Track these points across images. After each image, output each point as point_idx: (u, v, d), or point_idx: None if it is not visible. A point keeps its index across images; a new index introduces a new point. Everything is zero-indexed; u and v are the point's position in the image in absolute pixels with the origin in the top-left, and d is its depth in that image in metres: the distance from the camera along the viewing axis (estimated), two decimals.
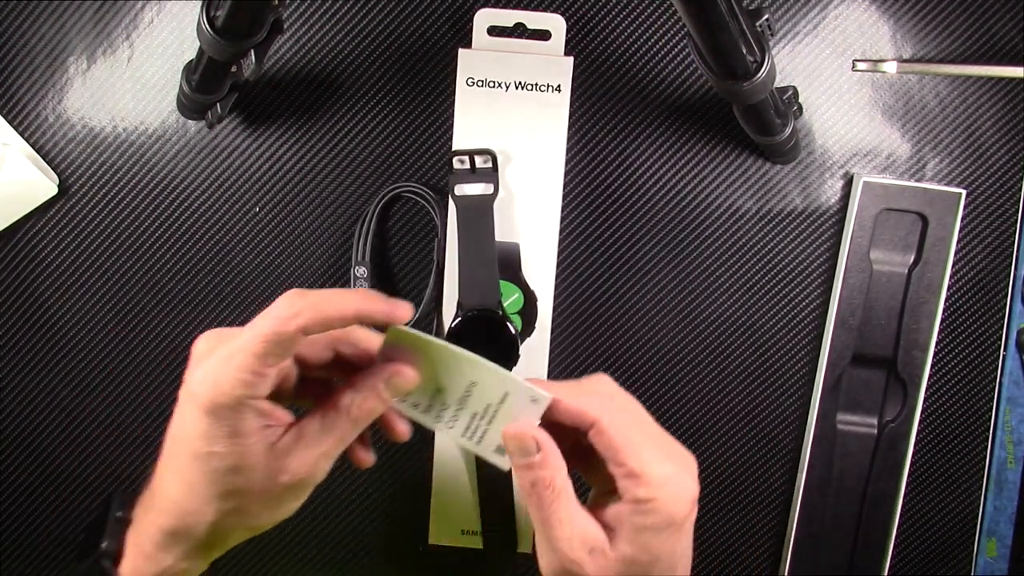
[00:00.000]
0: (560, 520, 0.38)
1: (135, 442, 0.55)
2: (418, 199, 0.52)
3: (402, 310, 0.37)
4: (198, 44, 0.42)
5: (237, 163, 0.53)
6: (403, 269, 0.53)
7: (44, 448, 0.55)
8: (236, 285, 0.54)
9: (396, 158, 0.52)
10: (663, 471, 0.37)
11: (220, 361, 0.35)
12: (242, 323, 0.55)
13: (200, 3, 0.40)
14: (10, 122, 0.52)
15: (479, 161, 0.49)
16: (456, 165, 0.50)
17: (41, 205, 0.52)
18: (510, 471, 0.50)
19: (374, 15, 0.51)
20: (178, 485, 0.36)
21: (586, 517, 0.38)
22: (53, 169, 0.52)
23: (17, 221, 0.52)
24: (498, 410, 0.39)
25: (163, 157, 0.53)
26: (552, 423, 0.38)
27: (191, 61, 0.46)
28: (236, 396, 0.35)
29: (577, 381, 0.39)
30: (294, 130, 0.52)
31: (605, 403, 0.38)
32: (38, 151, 0.52)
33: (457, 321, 0.49)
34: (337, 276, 0.53)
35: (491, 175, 0.50)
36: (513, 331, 0.48)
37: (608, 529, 0.37)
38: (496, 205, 0.50)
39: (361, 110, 0.52)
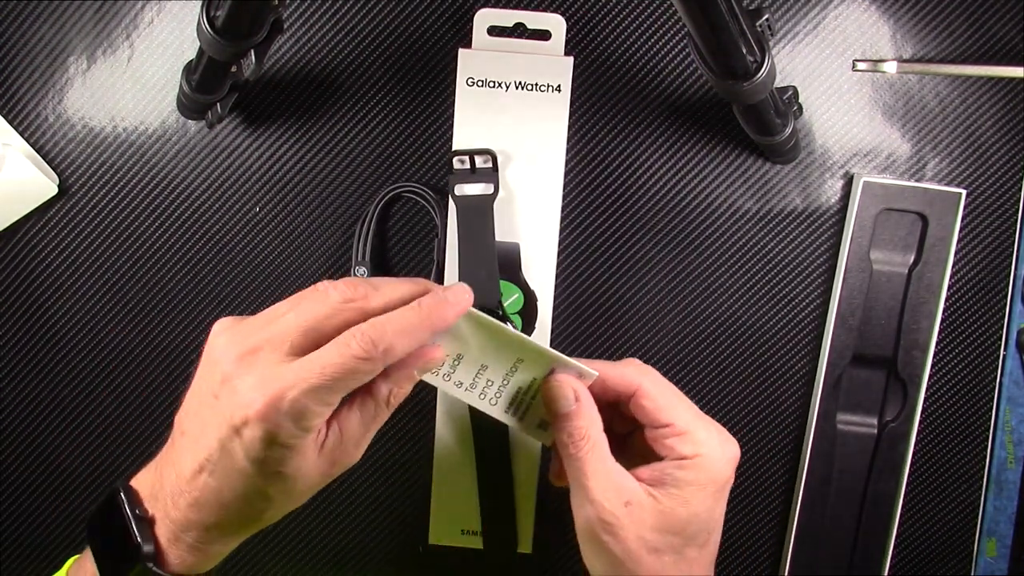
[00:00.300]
0: (596, 472, 0.39)
1: (136, 441, 0.55)
2: (418, 199, 0.52)
3: (467, 297, 0.39)
4: (198, 44, 0.42)
5: (237, 163, 0.53)
6: (403, 269, 0.53)
7: (44, 447, 0.55)
8: (236, 285, 0.54)
9: (396, 158, 0.52)
10: (708, 430, 0.40)
11: (296, 392, 0.34)
12: None
13: (200, 3, 0.40)
14: (10, 122, 0.52)
15: (479, 161, 0.49)
16: (456, 165, 0.50)
17: (41, 205, 0.52)
18: (511, 470, 0.51)
19: (374, 15, 0.51)
20: (226, 491, 0.36)
21: (623, 472, 0.39)
22: (53, 169, 0.52)
23: (17, 221, 0.52)
24: (543, 386, 0.41)
25: (163, 157, 0.53)
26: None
27: (191, 61, 0.46)
28: (309, 427, 0.35)
29: (612, 361, 0.41)
30: (294, 130, 0.52)
31: (645, 372, 0.41)
32: (38, 151, 0.52)
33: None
34: (337, 276, 0.53)
35: (491, 175, 0.50)
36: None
37: (646, 486, 0.39)
38: (496, 205, 0.50)
39: (361, 110, 0.52)
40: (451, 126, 0.51)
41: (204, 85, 0.46)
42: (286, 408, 0.34)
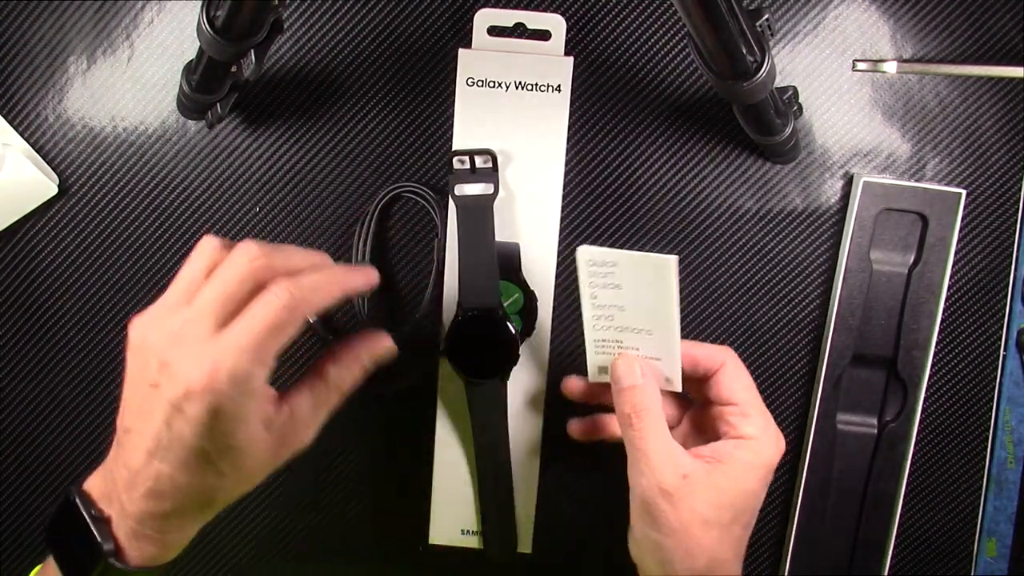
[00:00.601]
0: (657, 444, 0.41)
1: None
2: (418, 199, 0.52)
3: (373, 275, 0.42)
4: (198, 44, 0.42)
5: (237, 163, 0.53)
6: (403, 269, 0.53)
7: (44, 446, 0.55)
8: None
9: (396, 158, 0.52)
10: (766, 419, 0.43)
11: (232, 357, 0.35)
12: None
13: (200, 3, 0.40)
14: (10, 122, 0.52)
15: (479, 161, 0.49)
16: (456, 165, 0.50)
17: (41, 205, 0.52)
18: (510, 470, 0.51)
19: (374, 15, 0.51)
20: (180, 474, 0.37)
21: (680, 447, 0.42)
22: (53, 169, 0.52)
23: (17, 221, 0.52)
24: (642, 338, 0.44)
25: (163, 157, 0.53)
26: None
27: (191, 61, 0.46)
28: (252, 390, 0.36)
29: (705, 343, 0.46)
30: (294, 130, 0.52)
31: (732, 355, 0.45)
32: (38, 151, 0.52)
33: (457, 320, 0.49)
34: None
35: (491, 175, 0.50)
36: (513, 331, 0.48)
37: (703, 462, 0.42)
38: (496, 205, 0.50)
39: (361, 110, 0.52)
40: (451, 126, 0.51)
41: (204, 85, 0.46)
42: (225, 376, 0.35)
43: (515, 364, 0.49)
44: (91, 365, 0.54)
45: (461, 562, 0.55)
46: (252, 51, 0.42)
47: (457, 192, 0.49)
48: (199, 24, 0.40)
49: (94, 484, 0.40)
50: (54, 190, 0.52)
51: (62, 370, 0.54)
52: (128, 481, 0.38)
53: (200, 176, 0.53)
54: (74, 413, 0.55)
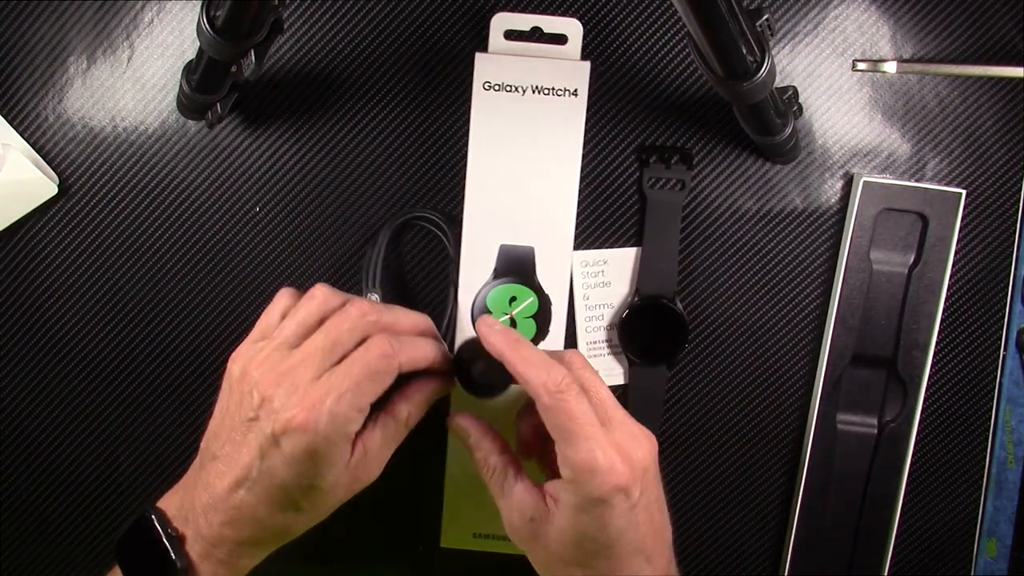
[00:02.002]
0: (502, 493, 0.43)
1: (135, 441, 0.55)
2: (430, 228, 0.52)
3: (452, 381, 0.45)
4: (198, 44, 0.42)
5: (237, 163, 0.53)
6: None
7: (44, 447, 0.55)
8: (236, 285, 0.54)
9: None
10: (588, 456, 0.39)
11: (333, 399, 0.38)
12: (242, 323, 0.55)
13: (200, 3, 0.40)
14: (10, 122, 0.52)
15: (673, 158, 0.51)
16: (650, 160, 0.51)
17: (41, 205, 0.52)
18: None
19: (381, 17, 0.51)
20: (262, 507, 0.40)
21: (526, 491, 0.43)
22: (53, 169, 0.52)
23: (17, 221, 0.52)
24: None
25: (163, 157, 0.53)
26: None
27: (191, 61, 0.46)
28: (347, 432, 0.39)
29: (554, 351, 0.43)
30: (294, 130, 0.52)
31: (554, 377, 0.40)
32: (38, 151, 0.52)
33: (632, 306, 0.51)
34: (337, 276, 0.53)
35: (684, 172, 0.51)
36: (681, 316, 0.51)
37: (550, 501, 0.41)
38: (513, 208, 0.50)
39: (370, 113, 0.52)
40: (467, 130, 0.51)
41: (204, 85, 0.46)
42: (325, 417, 0.38)
43: (684, 347, 0.51)
44: (91, 364, 0.54)
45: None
46: (252, 51, 0.42)
47: (650, 186, 0.51)
48: (199, 24, 0.40)
49: (170, 503, 0.42)
50: (54, 190, 0.52)
51: (62, 369, 0.54)
52: (209, 506, 0.40)
53: (200, 176, 0.53)
54: (74, 412, 0.55)
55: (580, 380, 0.41)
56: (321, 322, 0.42)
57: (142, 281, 0.54)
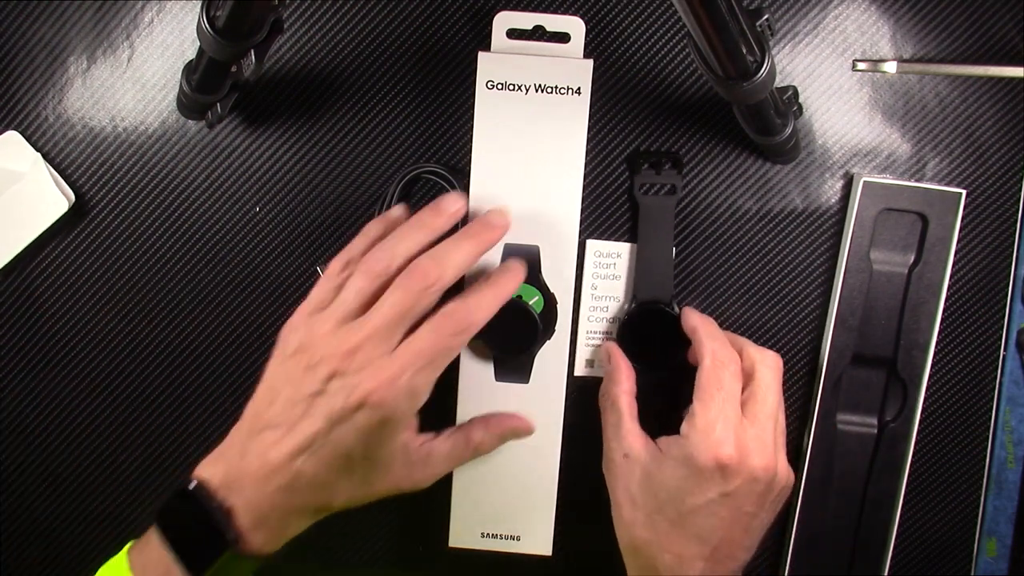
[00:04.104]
0: (611, 426, 0.46)
1: (135, 441, 0.55)
2: (439, 180, 0.52)
3: (522, 271, 0.46)
4: (198, 44, 0.42)
5: (237, 163, 0.53)
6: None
7: (44, 447, 0.55)
8: (236, 285, 0.54)
9: (408, 158, 0.52)
10: (712, 420, 0.43)
11: (410, 374, 0.40)
12: (241, 323, 0.55)
13: (200, 3, 0.40)
14: (9, 122, 0.52)
15: (665, 163, 0.51)
16: (642, 165, 0.51)
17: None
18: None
19: (381, 18, 0.51)
20: (324, 475, 0.41)
21: (634, 433, 0.46)
22: (54, 168, 0.52)
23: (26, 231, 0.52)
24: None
25: (163, 157, 0.53)
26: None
27: (191, 61, 0.46)
28: (418, 404, 0.41)
29: (756, 345, 0.47)
30: (294, 130, 0.52)
31: (725, 355, 0.45)
32: (38, 150, 0.52)
33: (630, 313, 0.51)
34: None
35: (675, 176, 0.51)
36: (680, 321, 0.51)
37: (653, 449, 0.45)
38: (516, 207, 0.50)
39: (370, 113, 0.52)
40: (470, 129, 0.51)
41: (204, 85, 0.46)
42: (404, 392, 0.40)
43: (685, 352, 0.50)
44: (91, 364, 0.54)
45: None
46: (252, 51, 0.42)
47: (641, 191, 0.51)
48: (199, 24, 0.40)
49: (213, 472, 0.42)
50: (66, 206, 0.52)
51: (63, 368, 0.54)
52: (262, 474, 0.41)
53: (200, 176, 0.53)
54: (77, 410, 0.55)
55: (758, 376, 0.45)
56: (382, 288, 0.42)
57: (142, 281, 0.54)
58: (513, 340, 0.50)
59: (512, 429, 0.49)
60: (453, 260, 0.42)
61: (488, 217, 0.46)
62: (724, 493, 0.42)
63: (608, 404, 0.47)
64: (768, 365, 0.45)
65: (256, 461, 0.41)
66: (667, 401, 0.51)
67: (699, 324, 0.47)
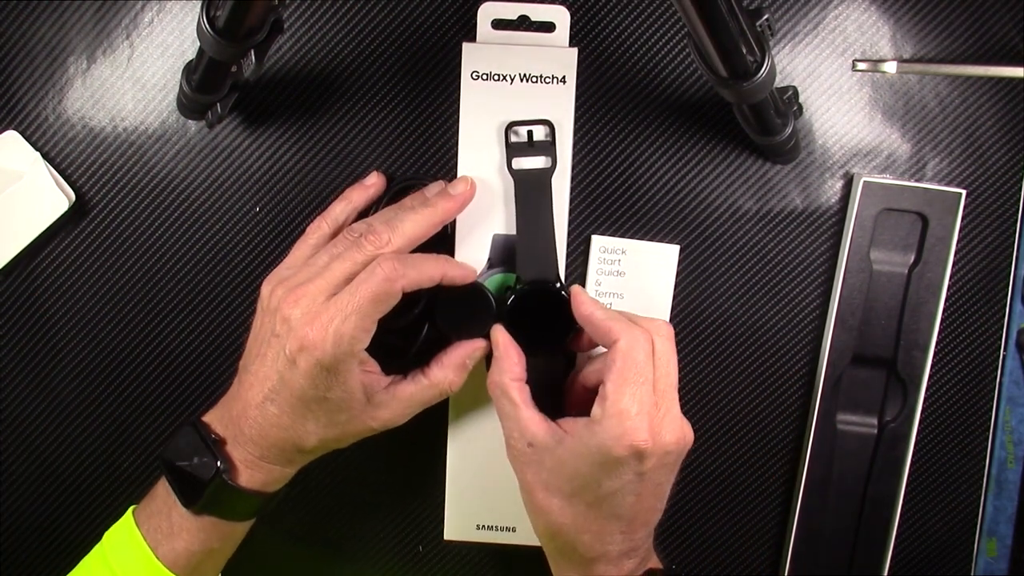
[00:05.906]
0: (508, 416, 0.46)
1: (135, 441, 0.55)
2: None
3: (472, 271, 0.48)
4: (198, 44, 0.42)
5: (237, 163, 0.53)
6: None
7: (44, 447, 0.55)
8: (235, 285, 0.54)
9: (400, 154, 0.52)
10: (627, 406, 0.42)
11: (339, 320, 0.41)
12: (241, 323, 0.55)
13: (200, 3, 0.40)
14: (10, 123, 0.52)
15: (537, 133, 0.50)
16: (512, 138, 0.50)
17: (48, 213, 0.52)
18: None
19: (375, 13, 0.51)
20: (288, 417, 0.44)
21: (535, 420, 0.45)
22: (54, 168, 0.52)
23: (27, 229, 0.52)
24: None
25: (163, 157, 0.53)
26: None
27: (191, 61, 0.46)
28: (353, 351, 0.42)
29: (644, 317, 0.45)
30: (294, 130, 0.52)
31: (636, 335, 0.43)
32: (38, 150, 0.52)
33: (516, 294, 0.48)
34: None
35: (549, 148, 0.50)
36: (567, 300, 0.49)
37: (560, 433, 0.44)
38: (504, 198, 0.50)
39: (363, 108, 0.52)
40: (456, 120, 0.51)
41: (204, 85, 0.46)
42: (331, 337, 0.41)
43: (573, 336, 0.48)
44: (91, 364, 0.54)
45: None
46: (252, 51, 0.42)
47: (515, 166, 0.50)
48: (199, 24, 0.40)
49: (213, 416, 0.47)
50: (66, 205, 0.52)
51: (63, 368, 0.54)
52: (244, 414, 0.44)
53: (200, 176, 0.53)
54: (76, 410, 0.55)
55: (657, 349, 0.43)
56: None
57: (142, 281, 0.54)
58: (466, 325, 0.48)
59: (467, 355, 0.48)
60: (404, 229, 0.45)
61: (451, 186, 0.49)
62: (640, 473, 0.42)
63: (499, 393, 0.46)
64: (663, 335, 0.44)
65: (238, 403, 0.45)
66: (556, 380, 0.50)
67: (596, 306, 0.46)
